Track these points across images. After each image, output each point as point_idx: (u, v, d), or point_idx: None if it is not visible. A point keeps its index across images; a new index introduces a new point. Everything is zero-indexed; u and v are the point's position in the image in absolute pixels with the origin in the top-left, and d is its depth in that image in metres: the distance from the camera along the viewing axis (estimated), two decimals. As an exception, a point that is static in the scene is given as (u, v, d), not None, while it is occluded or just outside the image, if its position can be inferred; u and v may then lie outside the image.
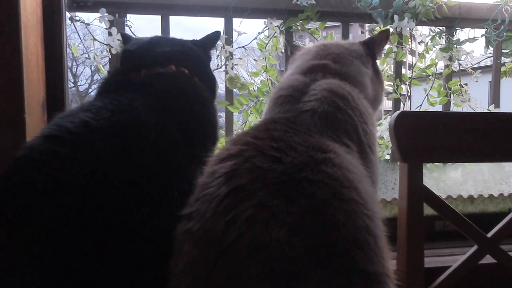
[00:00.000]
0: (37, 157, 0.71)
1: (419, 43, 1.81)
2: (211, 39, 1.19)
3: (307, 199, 0.63)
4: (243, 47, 1.55)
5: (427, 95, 1.67)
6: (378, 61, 1.17)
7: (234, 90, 1.54)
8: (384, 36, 1.13)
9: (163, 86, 0.95)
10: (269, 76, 1.55)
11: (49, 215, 0.66)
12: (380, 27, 1.59)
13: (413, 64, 1.72)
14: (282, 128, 0.77)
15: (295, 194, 0.63)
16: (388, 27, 1.55)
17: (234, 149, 0.73)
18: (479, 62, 1.91)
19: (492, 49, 1.73)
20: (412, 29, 1.62)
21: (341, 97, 0.89)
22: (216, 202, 0.64)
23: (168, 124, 0.86)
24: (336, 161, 0.71)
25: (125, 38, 1.22)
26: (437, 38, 1.67)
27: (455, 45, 1.64)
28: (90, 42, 1.44)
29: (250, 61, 1.63)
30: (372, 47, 1.11)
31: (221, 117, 1.64)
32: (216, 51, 1.49)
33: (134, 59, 1.04)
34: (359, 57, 1.07)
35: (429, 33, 1.68)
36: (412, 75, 1.68)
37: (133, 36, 1.43)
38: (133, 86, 0.94)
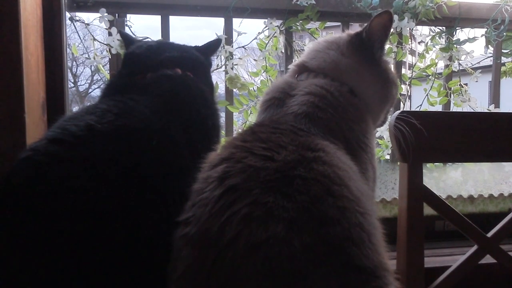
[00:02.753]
0: (41, 159, 0.71)
1: (419, 43, 1.81)
2: (213, 46, 1.21)
3: (302, 195, 0.63)
4: (243, 47, 1.55)
5: (427, 95, 1.67)
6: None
7: (234, 90, 1.54)
8: (384, 19, 0.95)
9: (171, 87, 0.96)
10: (269, 76, 1.55)
11: (50, 217, 0.66)
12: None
13: (413, 64, 1.72)
14: (268, 130, 0.77)
15: (290, 191, 0.63)
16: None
17: (225, 153, 0.73)
18: (479, 62, 1.91)
19: (492, 49, 1.73)
20: (412, 29, 1.62)
21: (320, 96, 0.87)
22: (211, 205, 0.64)
23: (173, 127, 0.86)
24: (326, 159, 0.71)
25: (125, 38, 1.22)
26: (437, 38, 1.67)
27: (455, 45, 1.64)
28: (90, 42, 1.44)
29: (250, 61, 1.63)
30: (368, 36, 0.97)
31: (221, 117, 1.64)
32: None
33: (140, 63, 1.04)
34: (338, 48, 0.98)
35: (429, 33, 1.68)
36: (412, 75, 1.68)
37: (133, 36, 1.44)
38: (139, 88, 0.95)
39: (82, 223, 0.66)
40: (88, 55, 1.49)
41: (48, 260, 0.64)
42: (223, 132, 1.57)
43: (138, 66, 1.04)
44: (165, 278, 0.67)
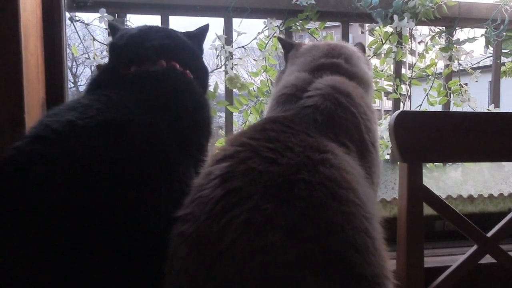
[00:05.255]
0: (22, 158, 0.70)
1: (419, 43, 1.81)
2: (203, 31, 1.17)
3: (303, 201, 0.62)
4: (243, 47, 1.55)
5: (427, 95, 1.67)
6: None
7: (234, 90, 1.54)
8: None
9: (154, 84, 0.93)
10: (269, 76, 1.55)
11: (33, 216, 0.65)
12: (380, 27, 1.59)
13: (413, 64, 1.71)
14: (279, 128, 0.76)
15: (290, 197, 0.62)
16: (385, 28, 1.56)
17: (230, 150, 0.72)
18: (479, 62, 1.90)
19: (492, 49, 1.73)
20: (412, 29, 1.62)
21: (345, 94, 0.88)
22: (211, 205, 0.63)
23: (159, 122, 0.85)
24: (334, 161, 0.70)
25: (113, 29, 1.16)
26: (437, 38, 1.67)
27: (455, 45, 1.64)
28: (90, 42, 1.44)
29: (250, 61, 1.63)
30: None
31: (221, 117, 1.64)
32: (216, 51, 1.49)
33: (123, 55, 1.01)
34: (364, 61, 1.09)
35: (429, 33, 1.68)
36: (412, 75, 1.68)
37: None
38: (123, 83, 0.93)
39: (65, 221, 0.65)
40: (88, 55, 1.49)
41: (32, 260, 0.63)
42: (222, 131, 1.58)
43: (121, 59, 1.01)
44: (153, 274, 0.67)
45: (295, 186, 0.64)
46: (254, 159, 0.68)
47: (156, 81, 0.95)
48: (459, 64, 1.66)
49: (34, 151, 0.71)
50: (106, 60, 1.47)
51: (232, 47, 1.51)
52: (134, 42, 1.02)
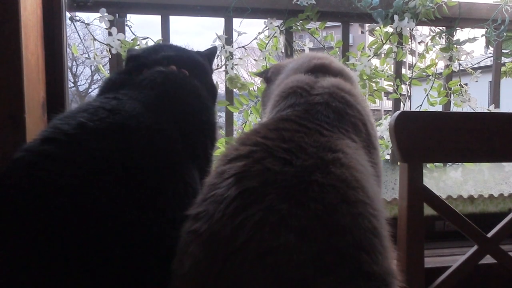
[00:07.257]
0: (33, 159, 0.71)
1: (419, 43, 1.81)
2: (212, 53, 1.24)
3: (316, 203, 0.63)
4: (243, 47, 1.55)
5: (427, 95, 1.67)
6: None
7: (234, 90, 1.54)
8: None
9: (163, 81, 0.95)
10: (269, 76, 1.55)
11: (43, 217, 0.65)
12: (380, 27, 1.59)
13: (413, 64, 1.72)
14: (293, 128, 0.77)
15: (304, 198, 0.63)
16: (385, 28, 1.56)
17: (244, 149, 0.72)
18: (479, 62, 1.91)
19: (492, 49, 1.73)
20: (412, 29, 1.62)
21: (349, 93, 0.91)
22: (225, 204, 0.63)
23: (166, 123, 0.86)
24: (344, 161, 0.71)
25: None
26: (437, 38, 1.67)
27: (455, 45, 1.64)
28: (90, 42, 1.44)
29: (250, 61, 1.63)
30: None
31: (221, 117, 1.64)
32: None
33: (137, 62, 1.05)
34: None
35: (429, 33, 1.68)
36: (412, 75, 1.68)
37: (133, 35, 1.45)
38: (133, 84, 0.95)
39: (75, 222, 0.66)
40: (88, 55, 1.49)
41: (42, 261, 0.64)
42: (222, 132, 1.58)
43: (135, 65, 1.04)
44: (161, 275, 0.67)
45: (309, 187, 0.64)
46: (269, 159, 0.68)
47: (164, 78, 0.97)
48: (460, 64, 1.66)
49: (43, 152, 0.72)
50: (106, 60, 1.48)
51: (232, 47, 1.51)
52: (148, 52, 1.09)
